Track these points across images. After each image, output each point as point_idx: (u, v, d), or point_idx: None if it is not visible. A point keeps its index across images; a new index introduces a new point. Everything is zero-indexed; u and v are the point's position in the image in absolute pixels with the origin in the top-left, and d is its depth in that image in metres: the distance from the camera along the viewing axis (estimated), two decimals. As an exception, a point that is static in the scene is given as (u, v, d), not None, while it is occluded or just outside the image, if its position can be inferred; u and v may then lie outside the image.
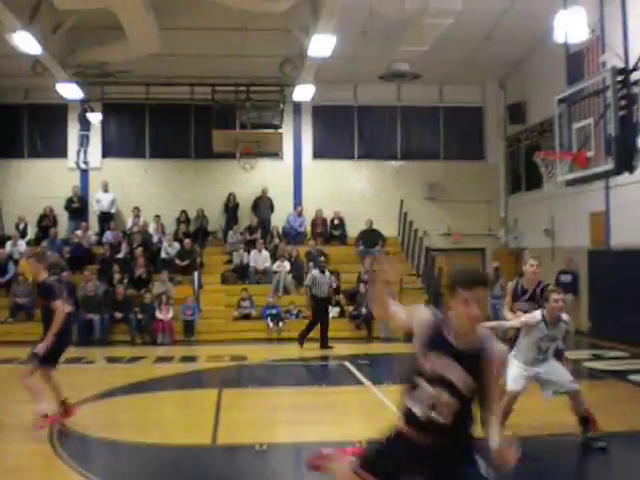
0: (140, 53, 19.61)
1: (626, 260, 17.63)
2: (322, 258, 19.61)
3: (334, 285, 19.21)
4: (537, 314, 8.35)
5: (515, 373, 8.44)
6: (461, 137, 26.07)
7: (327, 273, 18.37)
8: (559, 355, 9.18)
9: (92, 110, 23.90)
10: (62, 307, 9.23)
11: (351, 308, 20.29)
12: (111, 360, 16.06)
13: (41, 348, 9.03)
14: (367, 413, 10.90)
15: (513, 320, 8.95)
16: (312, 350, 17.38)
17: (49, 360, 9.26)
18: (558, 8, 16.06)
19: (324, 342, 17.63)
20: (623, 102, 13.45)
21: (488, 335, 4.31)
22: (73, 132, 24.70)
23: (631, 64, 13.43)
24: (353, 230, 24.22)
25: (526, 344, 8.44)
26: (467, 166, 25.67)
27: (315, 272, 18.10)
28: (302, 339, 17.57)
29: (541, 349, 8.41)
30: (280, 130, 23.72)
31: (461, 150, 25.96)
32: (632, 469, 8.21)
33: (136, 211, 23.62)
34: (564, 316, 8.39)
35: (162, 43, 19.33)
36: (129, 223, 23.67)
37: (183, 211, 24.01)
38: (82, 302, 19.16)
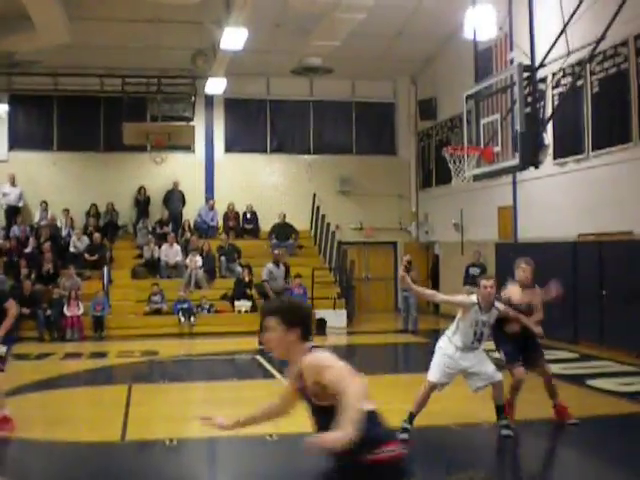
0: (49, 43, 19.20)
1: (532, 253, 17.96)
2: (277, 251, 19.40)
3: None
4: (473, 297, 8.62)
5: (438, 363, 8.61)
6: (373, 132, 26.31)
7: (282, 266, 18.43)
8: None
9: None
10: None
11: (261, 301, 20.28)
12: (19, 357, 15.63)
13: None
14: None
15: (449, 296, 9.56)
16: (224, 345, 17.33)
17: None
18: (468, 5, 16.32)
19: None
20: (529, 99, 13.76)
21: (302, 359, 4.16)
22: (-21, 124, 24.02)
23: (537, 61, 13.74)
24: (266, 224, 24.20)
25: (463, 327, 8.55)
26: (379, 161, 25.91)
27: (270, 266, 18.12)
28: None
29: (475, 334, 8.53)
30: (192, 123, 23.54)
31: (373, 145, 26.21)
32: (535, 455, 8.44)
33: (44, 205, 23.10)
34: (498, 304, 8.64)
35: (72, 34, 18.98)
36: (37, 217, 23.12)
37: (93, 205, 23.57)
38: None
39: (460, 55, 19.86)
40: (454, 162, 15.30)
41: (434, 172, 24.44)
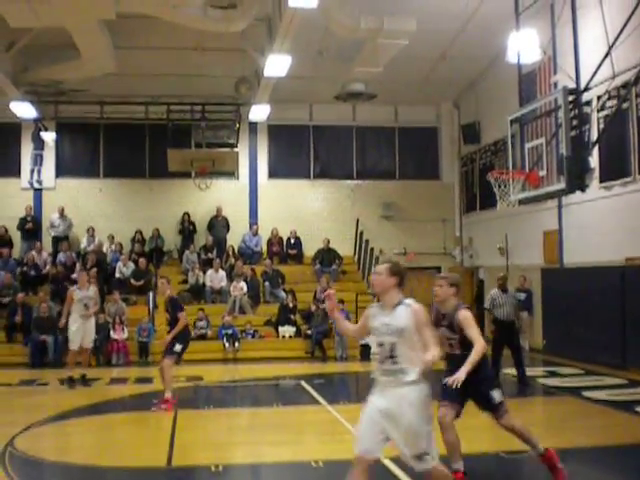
0: (95, 72, 19.50)
1: (579, 278, 17.85)
2: (502, 274, 15.53)
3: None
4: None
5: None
6: (416, 157, 26.31)
7: (510, 291, 15.10)
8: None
9: (46, 129, 23.65)
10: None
11: (305, 327, 20.24)
12: (64, 381, 15.83)
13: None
14: (323, 433, 10.87)
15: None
16: (268, 370, 17.33)
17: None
18: (511, 29, 16.26)
19: (522, 377, 14.56)
20: (574, 122, 13.64)
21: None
22: (26, 151, 24.44)
23: (582, 84, 13.63)
24: (309, 249, 24.23)
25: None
26: (422, 185, 25.87)
27: (495, 292, 14.78)
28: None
29: (383, 347, 6.63)
30: (235, 149, 23.71)
31: (416, 169, 26.19)
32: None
33: (91, 231, 23.39)
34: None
35: (117, 62, 19.27)
36: (84, 243, 23.40)
37: (138, 231, 23.83)
38: (35, 323, 18.87)
39: (503, 78, 19.77)
40: (499, 186, 15.20)
41: (478, 196, 24.31)
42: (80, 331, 15.10)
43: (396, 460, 8.54)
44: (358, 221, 24.82)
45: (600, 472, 8.66)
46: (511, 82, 16.58)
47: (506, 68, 18.21)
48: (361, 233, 24.69)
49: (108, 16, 16.02)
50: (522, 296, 18.62)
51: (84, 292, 15.25)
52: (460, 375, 6.61)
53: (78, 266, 21.74)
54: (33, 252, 22.29)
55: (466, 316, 7.53)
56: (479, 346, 7.12)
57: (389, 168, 26.17)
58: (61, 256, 22.42)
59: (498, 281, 14.52)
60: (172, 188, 24.66)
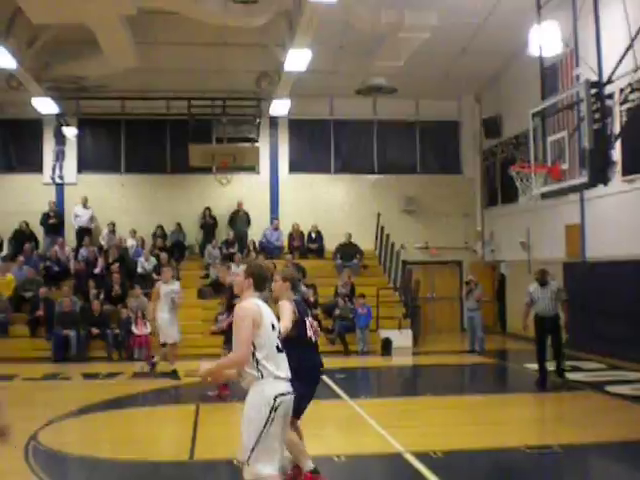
0: (116, 68, 19.58)
1: (601, 271, 17.75)
2: (541, 268, 14.65)
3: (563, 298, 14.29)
4: None
5: None
6: (437, 151, 26.25)
7: (552, 283, 14.19)
8: None
9: (67, 124, 23.78)
10: None
11: (326, 321, 20.24)
12: (88, 376, 15.94)
13: None
14: (345, 427, 10.89)
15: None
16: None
17: None
18: (532, 22, 16.17)
19: (560, 369, 14.09)
20: (597, 115, 13.53)
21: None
22: (48, 147, 24.57)
23: (605, 77, 13.52)
24: (330, 243, 24.22)
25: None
26: (443, 180, 25.80)
27: (533, 286, 14.12)
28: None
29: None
30: (256, 144, 23.73)
31: (437, 164, 26.14)
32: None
33: (111, 226, 23.50)
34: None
35: (139, 58, 19.32)
36: (103, 238, 23.48)
37: (159, 226, 23.93)
38: (58, 318, 19.00)
39: (525, 72, 19.67)
40: (521, 180, 15.12)
41: (499, 190, 24.21)
42: (169, 325, 15.13)
43: (418, 454, 8.57)
44: (379, 215, 24.78)
45: (624, 467, 8.63)
46: (533, 75, 16.49)
47: (528, 61, 18.12)
48: (382, 227, 24.65)
49: (129, 11, 16.09)
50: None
51: (170, 286, 15.33)
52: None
53: (100, 261, 21.85)
54: (56, 247, 22.42)
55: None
56: None
57: (410, 162, 26.11)
58: (83, 251, 22.52)
59: (535, 275, 14.29)
60: (193, 183, 24.72)
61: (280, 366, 5.84)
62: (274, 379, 5.74)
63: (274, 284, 7.65)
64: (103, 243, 23.30)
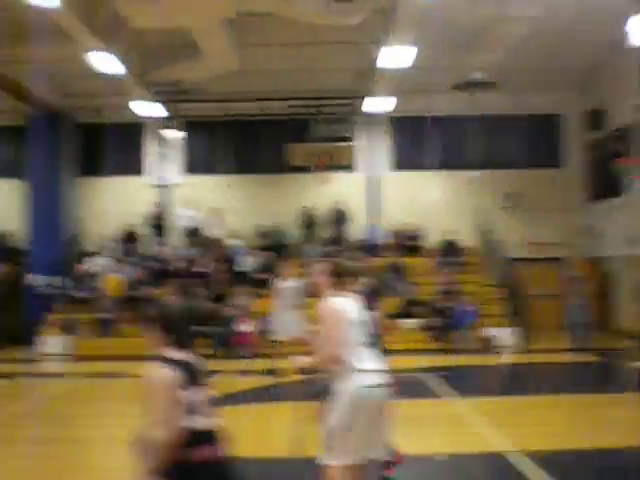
0: (217, 70, 19.94)
1: None
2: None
3: None
4: None
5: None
6: (538, 145, 25.78)
7: None
8: None
9: (170, 127, 24.33)
10: None
11: (428, 320, 20.16)
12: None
13: None
14: (448, 425, 10.84)
15: None
16: (390, 363, 17.31)
17: None
18: (634, 12, 15.76)
19: None
20: None
21: None
22: (152, 149, 25.24)
23: None
24: (431, 241, 24.10)
25: None
26: (545, 174, 25.35)
27: None
28: None
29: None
30: (353, 142, 23.79)
31: (539, 158, 25.67)
32: None
33: (217, 215, 23.95)
34: None
35: (238, 60, 19.63)
36: (210, 230, 23.93)
37: (261, 225, 24.25)
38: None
39: (629, 63, 19.21)
40: (626, 174, 14.77)
41: (602, 184, 23.63)
42: (286, 322, 15.22)
43: (524, 454, 8.47)
44: (480, 212, 24.51)
45: None
46: (636, 66, 16.10)
47: (631, 51, 17.68)
48: (483, 224, 24.38)
49: (229, 15, 16.36)
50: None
51: (288, 283, 15.43)
52: None
53: (204, 260, 22.27)
54: (161, 247, 22.98)
55: None
56: None
57: (510, 157, 25.74)
58: (187, 251, 23.02)
59: None
60: (292, 182, 24.98)
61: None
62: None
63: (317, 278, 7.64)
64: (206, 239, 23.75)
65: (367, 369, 5.90)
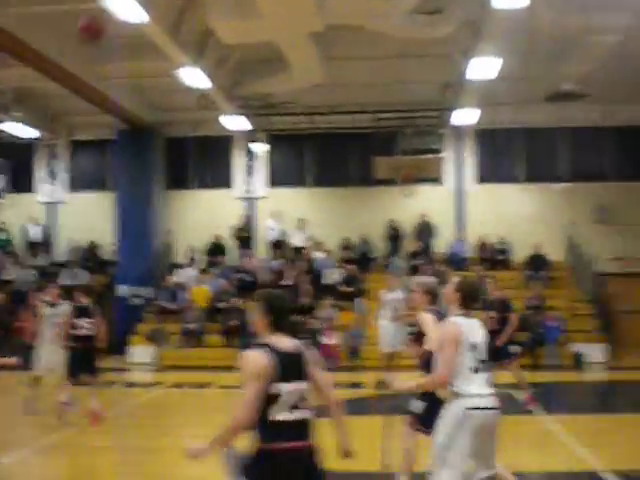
0: (304, 84, 20.03)
1: None
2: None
3: None
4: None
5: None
6: (631, 157, 25.12)
7: None
8: None
9: (257, 141, 24.55)
10: None
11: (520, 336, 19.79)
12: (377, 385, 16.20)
13: None
14: (536, 443, 10.61)
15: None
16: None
17: None
18: None
19: None
20: None
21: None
22: (239, 162, 25.54)
23: None
24: (518, 255, 23.72)
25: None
26: (636, 187, 24.69)
27: None
28: None
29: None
30: (441, 155, 23.62)
31: (633, 170, 24.98)
32: None
33: (301, 223, 24.23)
34: None
35: (325, 73, 19.68)
36: (294, 239, 24.15)
37: (346, 238, 24.25)
38: (250, 328, 19.57)
39: None
40: None
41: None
42: (390, 333, 15.13)
43: (616, 473, 8.22)
44: (570, 225, 24.02)
45: None
46: None
47: None
48: (573, 238, 23.89)
49: (317, 28, 16.40)
50: None
51: (393, 294, 15.38)
52: None
53: (290, 272, 22.37)
54: (248, 259, 23.18)
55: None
56: None
57: (603, 170, 25.17)
58: (273, 263, 23.18)
59: None
60: (377, 195, 24.93)
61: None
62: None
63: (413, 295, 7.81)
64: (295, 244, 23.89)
65: (474, 393, 5.89)
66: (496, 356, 12.41)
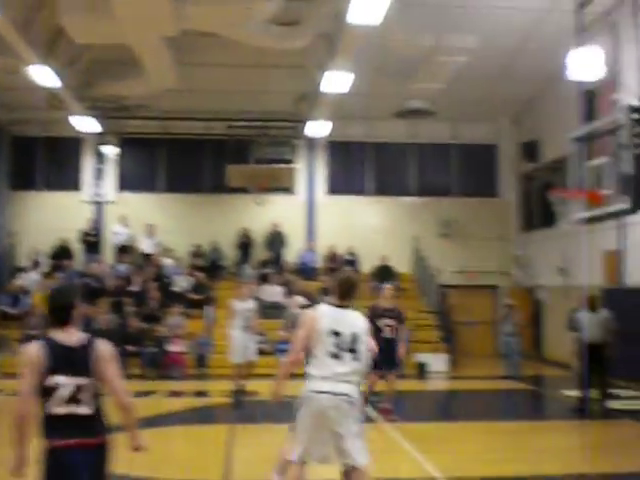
0: (157, 88, 19.79)
1: (641, 298, 17.54)
2: (591, 294, 14.43)
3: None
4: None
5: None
6: (475, 174, 26.16)
7: (602, 310, 14.04)
8: None
9: (108, 143, 24.04)
10: None
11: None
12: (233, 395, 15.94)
13: None
14: (379, 450, 10.80)
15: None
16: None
17: None
18: (572, 46, 16.13)
19: (604, 396, 13.74)
20: (638, 140, 13.45)
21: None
22: (88, 165, 24.91)
23: (646, 103, 13.45)
24: (366, 266, 24.18)
25: None
26: (480, 203, 25.72)
27: (582, 312, 13.98)
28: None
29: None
30: (294, 165, 23.81)
31: (474, 187, 26.05)
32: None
33: (149, 228, 23.77)
34: None
35: (179, 78, 19.51)
36: (143, 243, 23.76)
37: (197, 245, 24.06)
38: (95, 335, 19.04)
39: (564, 96, 19.57)
40: (560, 205, 15.03)
41: (537, 214, 24.03)
42: (242, 344, 14.90)
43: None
44: (416, 238, 24.73)
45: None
46: (572, 99, 16.44)
47: (567, 85, 18.05)
48: (419, 250, 24.60)
49: (171, 33, 16.24)
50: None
51: (245, 304, 15.12)
52: None
53: (138, 279, 22.00)
54: (94, 264, 22.62)
55: None
56: None
57: (447, 185, 26.08)
58: (121, 268, 22.72)
59: (587, 301, 14.00)
60: (230, 203, 24.86)
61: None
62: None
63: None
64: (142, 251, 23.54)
65: (322, 376, 6.16)
66: (391, 364, 12.84)
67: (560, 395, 16.14)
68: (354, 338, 6.22)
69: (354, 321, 6.35)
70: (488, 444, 9.99)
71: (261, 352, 19.59)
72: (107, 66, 19.87)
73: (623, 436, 11.75)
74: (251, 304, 15.21)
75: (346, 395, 6.11)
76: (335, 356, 6.16)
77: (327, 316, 6.31)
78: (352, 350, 6.19)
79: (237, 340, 14.75)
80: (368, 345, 6.48)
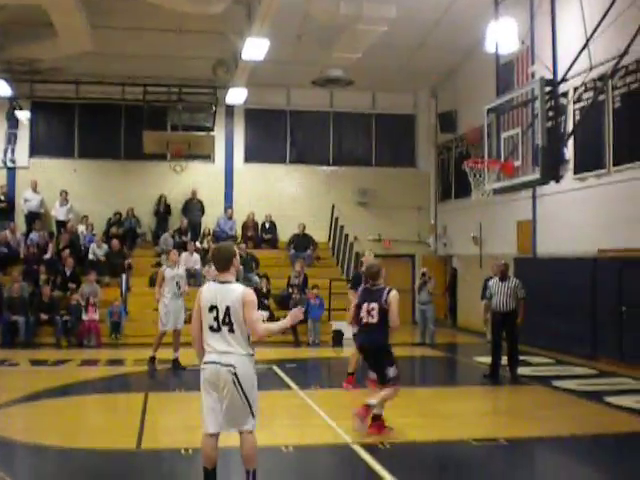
0: (71, 51, 19.34)
1: (552, 268, 17.99)
2: (503, 262, 14.53)
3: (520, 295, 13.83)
4: None
5: None
6: (393, 144, 26.36)
7: (512, 279, 14.09)
8: None
9: (20, 108, 23.40)
10: None
11: (280, 313, 20.21)
12: (36, 363, 15.75)
13: None
14: (294, 417, 10.91)
15: None
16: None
17: None
18: (490, 18, 16.31)
19: (514, 363, 13.88)
20: (551, 113, 13.70)
21: None
22: (0, 130, 24.19)
23: (559, 76, 13.68)
24: (284, 234, 24.20)
25: None
26: (398, 173, 25.93)
27: (492, 280, 14.29)
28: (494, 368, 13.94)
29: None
30: (212, 132, 23.60)
31: (392, 157, 26.25)
32: (553, 472, 8.39)
33: (64, 194, 23.26)
34: None
35: (94, 42, 19.11)
36: (56, 209, 23.32)
37: (117, 212, 23.67)
38: (6, 303, 18.73)
39: (481, 68, 19.83)
40: (474, 175, 15.25)
41: (453, 185, 24.38)
42: (172, 311, 14.68)
43: (365, 446, 8.62)
44: (334, 207, 24.84)
45: (569, 461, 8.76)
46: (489, 72, 16.65)
47: (484, 58, 18.30)
48: (336, 219, 24.72)
49: (85, -5, 15.90)
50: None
51: (175, 271, 14.87)
52: None
53: (51, 247, 21.60)
54: (6, 231, 22.06)
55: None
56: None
57: (365, 155, 26.22)
58: (34, 236, 22.22)
59: (498, 268, 14.25)
60: (147, 170, 24.52)
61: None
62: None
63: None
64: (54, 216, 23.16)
65: (209, 350, 6.44)
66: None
67: (472, 362, 16.48)
68: (227, 311, 6.39)
69: (228, 294, 6.46)
70: (400, 410, 10.12)
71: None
72: (19, 28, 19.28)
73: (533, 402, 12.06)
74: (181, 270, 15.15)
75: (231, 366, 6.33)
76: (215, 329, 6.42)
77: (208, 291, 6.57)
78: (226, 322, 6.39)
79: (168, 307, 14.65)
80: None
